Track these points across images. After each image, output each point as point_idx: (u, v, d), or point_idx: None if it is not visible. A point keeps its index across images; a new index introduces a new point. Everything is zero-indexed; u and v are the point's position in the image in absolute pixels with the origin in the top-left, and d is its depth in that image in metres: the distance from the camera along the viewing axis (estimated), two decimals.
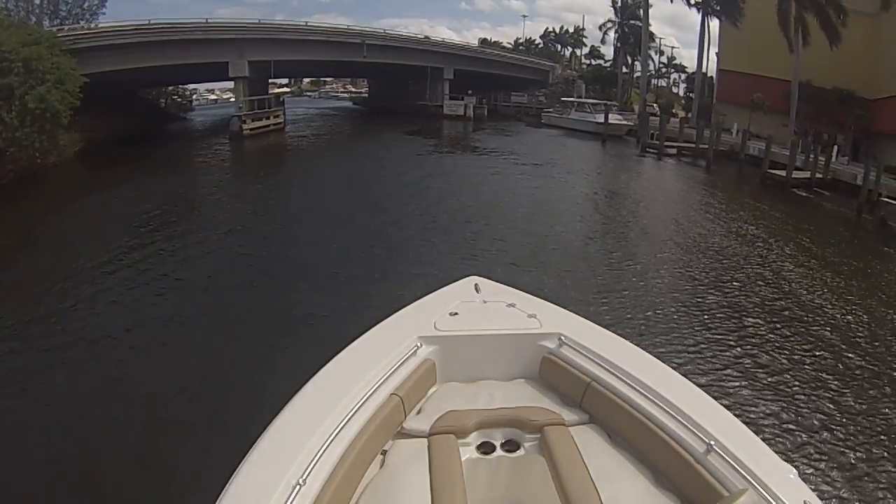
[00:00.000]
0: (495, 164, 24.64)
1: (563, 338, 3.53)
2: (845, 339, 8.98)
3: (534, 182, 21.07)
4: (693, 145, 32.44)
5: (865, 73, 33.24)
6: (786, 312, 9.93)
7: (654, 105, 50.75)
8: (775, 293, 10.89)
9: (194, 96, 60.21)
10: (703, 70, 45.13)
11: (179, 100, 51.84)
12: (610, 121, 38.60)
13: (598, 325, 3.86)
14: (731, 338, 8.61)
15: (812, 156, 26.53)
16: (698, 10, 42.03)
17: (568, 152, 31.26)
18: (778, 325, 9.29)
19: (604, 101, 45.20)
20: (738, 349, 8.18)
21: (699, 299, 10.30)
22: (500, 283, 4.47)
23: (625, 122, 40.66)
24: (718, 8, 40.27)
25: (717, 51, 43.70)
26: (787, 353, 8.27)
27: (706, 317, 9.42)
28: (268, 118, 36.34)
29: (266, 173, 21.82)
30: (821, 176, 25.82)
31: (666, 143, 32.66)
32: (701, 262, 12.70)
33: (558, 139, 37.86)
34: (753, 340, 8.56)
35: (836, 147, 29.77)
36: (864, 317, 9.99)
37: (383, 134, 35.72)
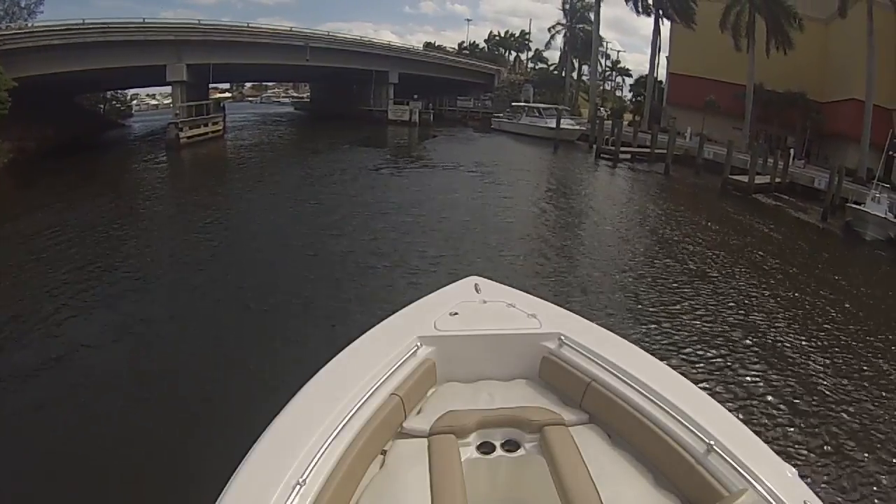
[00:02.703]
0: (453, 184, 21.45)
1: (563, 338, 3.49)
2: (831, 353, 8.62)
3: (498, 204, 18.00)
4: (648, 150, 31.42)
5: (816, 76, 33.43)
6: (777, 332, 9.31)
7: (602, 109, 50.01)
8: (761, 313, 10.10)
9: (134, 102, 57.09)
10: (654, 74, 44.39)
11: (119, 106, 48.71)
12: (562, 126, 37.14)
13: (598, 325, 3.81)
14: (719, 362, 7.91)
15: (771, 160, 25.91)
16: (648, 14, 41.20)
17: (526, 164, 28.75)
18: (770, 341, 8.84)
19: (555, 106, 43.81)
20: (724, 377, 7.49)
21: (688, 325, 9.21)
22: (500, 283, 4.37)
23: (577, 128, 39.46)
24: (671, 12, 39.51)
25: (667, 54, 43.25)
26: (776, 372, 7.76)
27: (691, 349, 8.31)
28: (206, 125, 33.34)
29: (199, 197, 18.07)
30: (779, 180, 25.22)
31: (620, 149, 31.45)
32: (679, 283, 11.29)
33: (511, 147, 35.89)
34: (739, 365, 7.88)
35: (791, 150, 29.37)
36: (850, 328, 9.73)
37: (325, 144, 32.53)
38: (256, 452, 2.37)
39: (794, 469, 2.45)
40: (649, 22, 42.24)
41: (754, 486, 2.33)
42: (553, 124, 37.50)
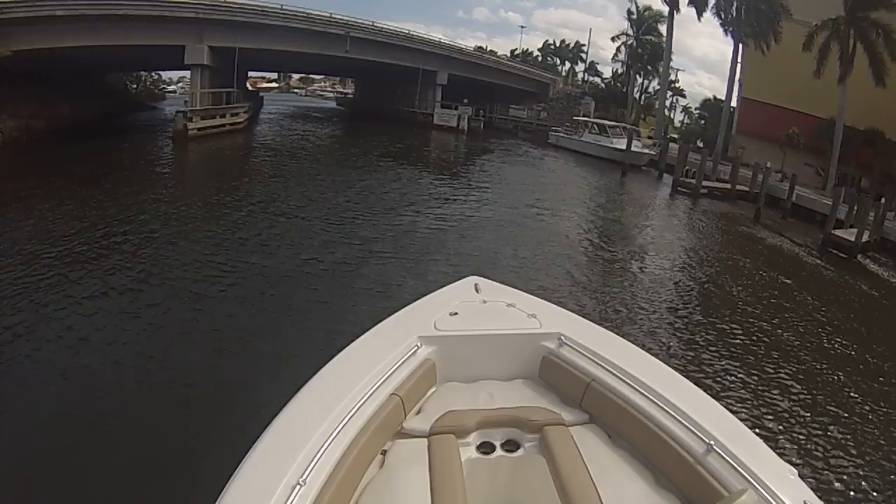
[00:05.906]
0: (520, 231, 15.89)
1: (562, 338, 3.48)
2: None
3: (594, 278, 12.96)
4: (728, 186, 28.89)
5: (894, 114, 30.48)
6: None
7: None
8: None
9: (180, 84, 56.03)
10: (723, 99, 41.65)
11: (151, 87, 48.52)
12: (632, 148, 33.99)
13: (598, 325, 3.80)
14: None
15: (873, 212, 23.09)
16: (730, 33, 38.42)
17: (602, 200, 24.34)
18: None
19: (622, 124, 40.80)
20: None
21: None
22: (500, 283, 4.36)
23: (647, 151, 36.28)
24: (747, 31, 36.74)
25: (739, 77, 40.44)
26: None
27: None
28: (224, 116, 30.25)
29: (185, 216, 14.22)
30: (875, 237, 22.45)
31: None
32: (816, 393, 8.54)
33: (575, 171, 32.24)
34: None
35: (882, 199, 26.75)
36: None
37: (356, 154, 28.29)
38: (256, 452, 2.34)
39: (794, 469, 2.44)
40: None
41: (754, 486, 2.33)
42: (621, 145, 34.43)
